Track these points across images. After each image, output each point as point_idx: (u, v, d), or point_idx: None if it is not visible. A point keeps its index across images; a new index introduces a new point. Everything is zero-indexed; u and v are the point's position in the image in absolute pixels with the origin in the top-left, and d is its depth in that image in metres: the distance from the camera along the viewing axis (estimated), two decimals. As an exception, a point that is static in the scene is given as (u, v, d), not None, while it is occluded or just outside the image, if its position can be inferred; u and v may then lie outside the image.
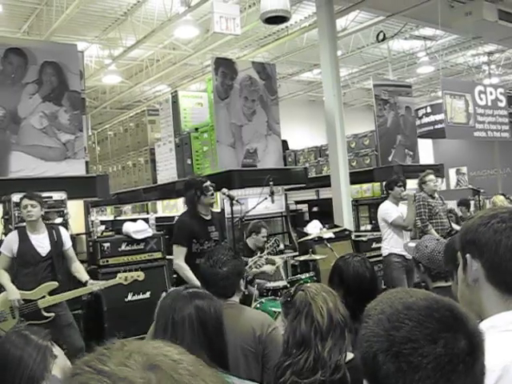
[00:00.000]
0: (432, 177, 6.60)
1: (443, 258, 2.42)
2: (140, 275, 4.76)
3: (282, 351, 2.12)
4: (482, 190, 9.39)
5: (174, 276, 5.02)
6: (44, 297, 4.42)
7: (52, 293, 4.45)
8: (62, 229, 4.78)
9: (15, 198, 4.88)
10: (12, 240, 4.51)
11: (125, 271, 5.15)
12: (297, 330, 2.02)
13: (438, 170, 9.34)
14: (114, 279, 4.67)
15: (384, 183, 6.84)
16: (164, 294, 2.05)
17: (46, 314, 4.41)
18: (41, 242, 4.55)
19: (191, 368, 0.64)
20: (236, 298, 2.80)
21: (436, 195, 6.63)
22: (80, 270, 4.73)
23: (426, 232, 6.17)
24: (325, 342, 1.97)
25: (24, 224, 4.67)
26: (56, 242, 4.61)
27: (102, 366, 0.62)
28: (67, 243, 4.73)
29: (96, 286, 4.58)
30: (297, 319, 2.05)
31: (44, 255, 4.53)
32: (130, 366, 0.61)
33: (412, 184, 6.83)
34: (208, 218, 4.79)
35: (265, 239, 5.77)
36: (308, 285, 2.24)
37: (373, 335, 0.94)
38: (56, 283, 4.47)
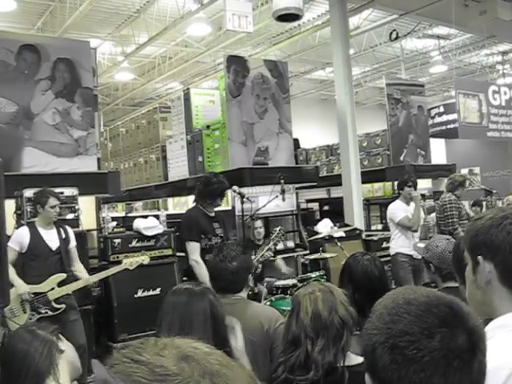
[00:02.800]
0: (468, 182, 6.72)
1: (452, 258, 2.41)
2: (145, 259, 4.82)
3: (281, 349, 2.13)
4: (494, 191, 9.31)
5: (184, 278, 5.01)
6: (53, 289, 4.46)
7: (60, 284, 4.49)
8: (68, 228, 4.85)
9: (27, 193, 4.90)
10: (23, 234, 4.53)
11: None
12: (290, 329, 2.01)
13: (451, 170, 9.28)
14: (120, 265, 4.73)
15: (396, 183, 6.83)
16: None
17: (56, 306, 4.45)
18: (50, 237, 4.62)
19: (220, 359, 0.68)
20: (244, 294, 2.82)
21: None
22: (82, 270, 4.78)
23: (453, 235, 5.86)
24: (315, 341, 1.92)
25: (34, 219, 4.72)
26: (64, 239, 4.69)
27: (138, 356, 0.66)
28: (73, 241, 4.81)
29: (103, 273, 4.66)
30: (290, 318, 2.04)
31: (54, 249, 4.61)
32: (164, 356, 0.66)
33: (424, 183, 6.80)
34: (212, 214, 4.86)
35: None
36: (311, 283, 2.23)
37: (373, 328, 0.96)
38: (64, 274, 4.53)
